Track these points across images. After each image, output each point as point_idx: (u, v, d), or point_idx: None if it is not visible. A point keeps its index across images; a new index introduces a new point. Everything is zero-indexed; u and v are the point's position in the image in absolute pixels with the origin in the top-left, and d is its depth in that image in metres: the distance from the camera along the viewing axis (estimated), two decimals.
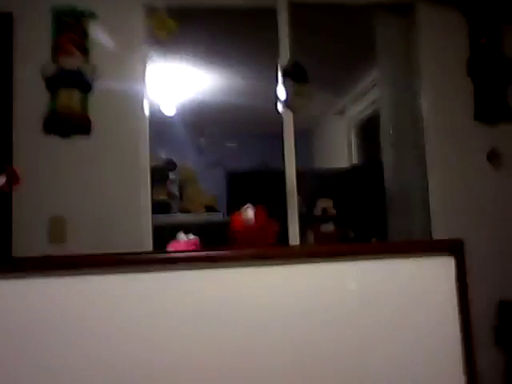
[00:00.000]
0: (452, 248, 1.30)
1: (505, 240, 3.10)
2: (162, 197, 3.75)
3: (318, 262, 1.26)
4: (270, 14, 3.21)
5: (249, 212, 1.57)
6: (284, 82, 3.14)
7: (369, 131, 4.87)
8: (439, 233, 3.03)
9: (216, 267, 1.23)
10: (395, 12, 3.34)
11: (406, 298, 1.27)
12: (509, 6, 3.26)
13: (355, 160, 5.25)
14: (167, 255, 1.24)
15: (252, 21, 3.52)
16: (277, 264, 1.25)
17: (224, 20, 3.56)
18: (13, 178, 1.35)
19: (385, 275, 1.28)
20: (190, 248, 1.62)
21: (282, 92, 3.15)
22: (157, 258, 1.24)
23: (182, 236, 1.67)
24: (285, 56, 3.19)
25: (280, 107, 3.18)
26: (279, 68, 3.18)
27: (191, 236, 1.66)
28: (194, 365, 1.20)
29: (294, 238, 3.04)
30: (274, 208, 3.90)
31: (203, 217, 3.87)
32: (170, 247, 1.65)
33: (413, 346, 1.26)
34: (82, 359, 1.16)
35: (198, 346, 1.21)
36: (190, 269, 1.22)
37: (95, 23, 2.94)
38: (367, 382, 1.25)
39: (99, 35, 2.93)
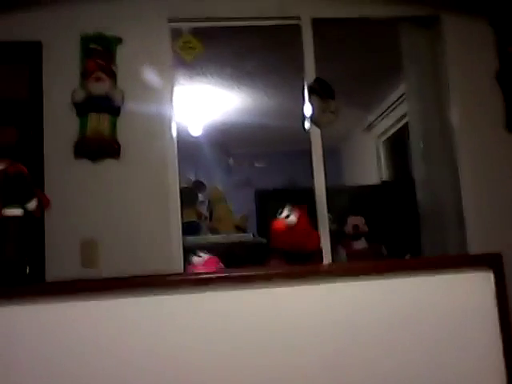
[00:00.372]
0: (490, 262, 1.26)
1: None
2: (192, 218, 3.76)
3: (355, 280, 1.24)
4: (295, 30, 3.22)
5: (291, 215, 1.55)
6: (310, 99, 3.13)
7: (398, 146, 4.83)
8: (475, 247, 2.95)
9: (248, 287, 1.22)
10: (420, 24, 3.32)
11: (444, 314, 1.24)
12: None
13: (385, 176, 5.21)
14: (197, 276, 1.23)
15: (277, 39, 3.53)
16: (313, 282, 1.24)
17: (248, 39, 3.59)
18: (43, 202, 1.37)
19: (422, 291, 1.25)
20: (212, 266, 1.60)
21: (308, 109, 3.15)
22: (187, 279, 1.24)
23: (195, 259, 1.64)
24: (310, 73, 3.18)
25: (307, 124, 3.18)
26: (305, 85, 3.18)
27: (203, 254, 1.63)
28: (225, 382, 1.18)
29: (326, 255, 3.00)
30: None
31: (233, 237, 3.85)
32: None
33: (453, 363, 1.22)
34: (114, 377, 1.16)
35: (230, 363, 1.19)
36: (222, 289, 1.21)
37: (122, 48, 2.98)
38: None
39: (126, 59, 2.97)
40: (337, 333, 1.23)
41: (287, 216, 1.56)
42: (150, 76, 3.00)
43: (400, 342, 1.23)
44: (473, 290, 1.26)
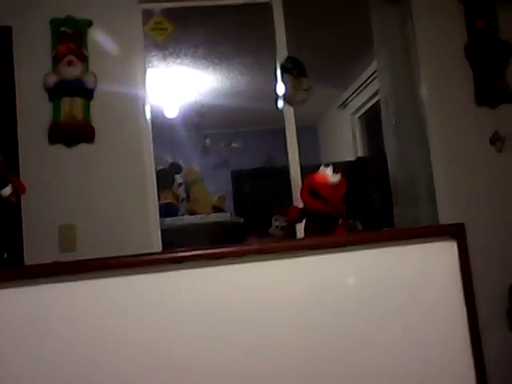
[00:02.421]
0: (454, 232, 1.31)
1: (511, 223, 3.10)
2: (169, 200, 3.77)
3: (325, 254, 1.28)
4: (266, 9, 3.22)
5: (335, 175, 1.55)
6: (282, 78, 3.15)
7: (372, 123, 4.87)
8: (446, 218, 3.03)
9: (222, 264, 1.25)
10: (390, 1, 3.34)
11: (411, 283, 1.29)
12: None
13: (360, 152, 5.26)
14: (171, 254, 1.25)
15: (248, 17, 3.53)
16: (284, 257, 1.27)
17: (220, 18, 3.58)
18: (18, 188, 1.37)
19: (389, 262, 1.29)
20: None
21: (281, 88, 3.16)
22: (161, 258, 1.26)
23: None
24: (282, 51, 3.20)
25: (280, 103, 3.20)
26: (277, 63, 3.19)
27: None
28: (203, 363, 1.21)
29: (302, 232, 3.04)
30: (281, 204, 3.92)
31: (211, 218, 3.88)
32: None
33: (419, 330, 1.27)
34: (93, 362, 1.18)
35: (205, 344, 1.22)
36: (197, 267, 1.24)
37: (93, 31, 2.96)
38: (375, 367, 1.26)
39: (97, 42, 2.95)
40: (308, 307, 1.26)
41: (334, 173, 1.56)
42: (123, 58, 2.99)
43: (368, 310, 1.27)
44: (437, 259, 1.30)
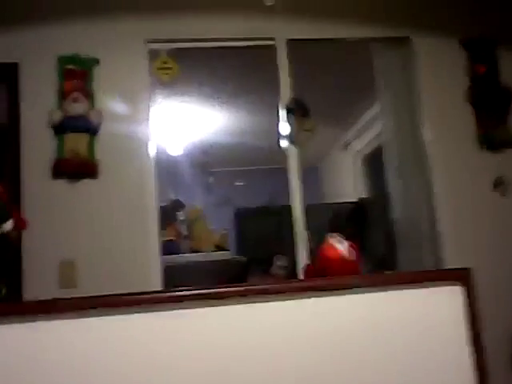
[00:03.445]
0: (460, 277, 1.29)
1: None
2: (171, 237, 3.75)
3: (330, 295, 1.26)
4: (270, 51, 3.26)
5: (347, 249, 1.53)
6: (287, 118, 3.18)
7: (375, 164, 4.88)
8: (450, 262, 3.00)
9: (223, 304, 1.23)
10: (393, 45, 3.39)
11: (416, 327, 1.26)
12: (503, 30, 3.31)
13: (363, 193, 5.25)
14: (171, 294, 1.23)
15: (253, 59, 3.58)
16: (284, 298, 1.25)
17: (225, 59, 3.63)
18: (19, 224, 1.37)
19: (394, 305, 1.27)
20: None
21: (285, 128, 3.18)
22: (161, 297, 1.24)
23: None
24: (286, 93, 3.23)
25: (283, 143, 3.21)
26: (281, 104, 3.22)
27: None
28: None
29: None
30: (282, 244, 3.90)
31: (213, 256, 3.86)
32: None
33: (423, 375, 1.24)
34: None
35: (208, 383, 1.19)
36: (197, 307, 1.22)
37: (99, 69, 3.00)
38: None
39: (103, 80, 2.98)
40: (311, 348, 1.24)
41: (340, 243, 1.54)
42: (128, 96, 3.02)
43: (372, 354, 1.24)
44: (443, 303, 1.28)
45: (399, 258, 3.22)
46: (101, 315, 1.19)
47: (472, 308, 1.28)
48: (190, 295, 1.23)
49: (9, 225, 1.32)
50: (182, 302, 1.22)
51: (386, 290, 1.27)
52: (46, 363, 1.16)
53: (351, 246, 1.52)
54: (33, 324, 1.17)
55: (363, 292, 1.27)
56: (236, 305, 1.24)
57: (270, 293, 1.26)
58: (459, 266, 1.33)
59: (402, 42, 3.35)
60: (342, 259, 1.49)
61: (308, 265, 1.91)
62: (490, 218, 3.13)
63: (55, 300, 1.30)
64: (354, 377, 1.23)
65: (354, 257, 1.52)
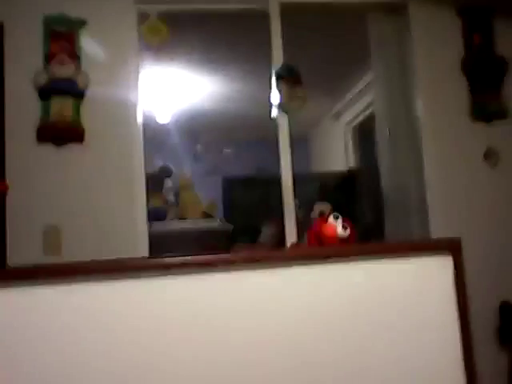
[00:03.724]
0: (450, 247, 1.28)
1: (503, 239, 3.09)
2: (158, 204, 3.72)
3: (316, 264, 1.25)
4: (262, 17, 3.20)
5: (347, 231, 1.50)
6: (278, 86, 3.13)
7: (365, 134, 4.86)
8: (437, 233, 3.01)
9: (212, 272, 1.22)
10: (388, 12, 3.34)
11: (405, 296, 1.26)
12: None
13: (352, 163, 5.24)
14: (161, 261, 1.22)
15: (244, 25, 3.51)
16: (275, 267, 1.24)
17: (216, 25, 3.56)
18: (1, 187, 1.33)
19: (384, 275, 1.26)
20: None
21: (276, 96, 3.14)
22: (150, 264, 1.22)
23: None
24: (278, 59, 3.18)
25: (274, 112, 3.17)
26: (273, 71, 3.17)
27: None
28: (189, 370, 1.18)
29: (292, 241, 3.02)
30: (271, 213, 3.89)
31: (200, 224, 3.84)
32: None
33: (412, 344, 1.25)
34: (76, 366, 1.15)
35: (192, 351, 1.19)
36: (186, 274, 1.21)
37: (87, 31, 2.93)
38: (367, 379, 1.23)
39: (91, 43, 2.91)
40: (298, 318, 1.24)
41: (344, 227, 1.51)
42: (116, 59, 2.96)
43: (361, 322, 1.24)
44: (433, 273, 1.28)
45: (388, 228, 3.23)
46: (86, 281, 1.18)
47: (460, 278, 1.28)
48: (177, 263, 1.21)
49: None
50: (168, 269, 1.21)
51: (375, 260, 1.27)
52: (30, 330, 1.15)
53: (346, 223, 1.50)
54: (17, 290, 1.16)
55: (352, 261, 1.26)
56: (223, 272, 1.22)
57: (257, 261, 1.24)
58: (448, 236, 1.33)
59: (399, 9, 3.30)
60: (337, 238, 1.47)
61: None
62: (479, 190, 3.14)
63: (39, 266, 1.29)
64: (341, 345, 1.22)
65: (351, 240, 1.51)
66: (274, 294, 1.24)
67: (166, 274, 1.22)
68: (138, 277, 1.21)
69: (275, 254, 1.30)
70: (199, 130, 5.44)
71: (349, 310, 1.24)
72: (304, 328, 1.23)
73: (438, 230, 3.03)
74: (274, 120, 3.20)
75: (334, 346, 1.23)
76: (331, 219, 1.52)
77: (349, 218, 1.56)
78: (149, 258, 2.71)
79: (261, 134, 4.41)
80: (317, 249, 1.40)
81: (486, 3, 3.27)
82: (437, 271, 1.27)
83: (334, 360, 1.22)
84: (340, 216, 1.54)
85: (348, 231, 1.49)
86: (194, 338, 1.20)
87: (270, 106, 3.21)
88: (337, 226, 1.49)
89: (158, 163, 4.21)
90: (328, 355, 1.22)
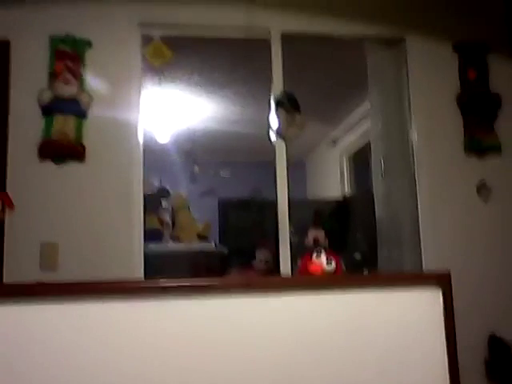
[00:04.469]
0: (439, 280, 1.31)
1: (494, 272, 3.12)
2: (155, 225, 3.75)
3: (311, 293, 1.28)
4: (264, 44, 3.26)
5: (331, 265, 1.54)
6: (276, 112, 3.17)
7: (361, 162, 4.91)
8: (429, 264, 3.04)
9: (206, 296, 1.24)
10: (386, 45, 3.40)
11: (393, 328, 1.28)
12: (495, 36, 3.34)
13: (347, 190, 5.29)
14: (158, 284, 1.24)
15: (246, 51, 3.58)
16: (266, 294, 1.26)
17: (217, 48, 3.62)
18: (7, 204, 1.36)
19: (373, 306, 1.29)
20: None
21: (274, 121, 3.18)
22: (145, 286, 1.25)
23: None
24: (277, 86, 3.23)
25: (272, 136, 3.21)
26: (272, 97, 3.22)
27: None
28: None
29: (286, 267, 3.04)
30: (265, 237, 3.92)
31: (195, 246, 3.86)
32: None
33: (400, 375, 1.27)
34: (71, 383, 1.16)
35: (182, 375, 1.20)
36: (181, 297, 1.23)
37: (91, 51, 2.98)
38: None
39: (95, 63, 2.97)
40: (290, 345, 1.26)
41: (328, 263, 1.55)
42: (119, 80, 3.01)
43: (349, 354, 1.26)
44: (421, 306, 1.31)
45: (380, 256, 3.26)
46: (81, 301, 1.20)
47: (449, 311, 1.31)
48: (173, 286, 1.24)
49: None
50: (165, 291, 1.23)
51: (365, 291, 1.29)
52: (26, 345, 1.16)
53: (338, 264, 1.54)
54: (14, 306, 1.17)
55: (342, 291, 1.29)
56: (218, 297, 1.25)
57: (253, 287, 1.27)
58: (438, 268, 1.36)
59: (396, 42, 3.37)
60: (325, 273, 1.52)
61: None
62: (471, 223, 3.17)
63: (37, 284, 1.31)
64: (330, 375, 1.24)
65: (334, 267, 1.55)
66: (267, 320, 1.26)
67: (162, 296, 1.24)
68: (135, 297, 1.22)
69: (269, 281, 1.33)
70: (197, 150, 5.49)
71: (338, 339, 1.26)
72: (295, 354, 1.25)
73: (430, 261, 3.06)
74: (271, 144, 3.24)
75: (324, 372, 1.25)
76: (314, 257, 1.56)
77: (332, 250, 1.60)
78: (145, 279, 2.73)
79: (258, 156, 4.45)
80: (308, 278, 1.43)
81: (481, 40, 3.34)
82: (426, 304, 1.30)
83: None
84: (322, 250, 1.58)
85: (333, 264, 1.53)
86: (183, 361, 1.21)
87: (268, 129, 3.24)
88: (322, 262, 1.53)
89: (155, 183, 4.24)
90: (316, 381, 1.25)
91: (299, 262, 1.64)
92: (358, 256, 3.56)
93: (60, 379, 1.16)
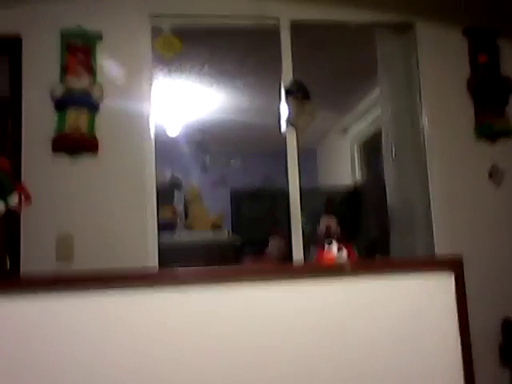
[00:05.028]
0: (451, 264, 1.33)
1: (507, 257, 3.12)
2: (168, 216, 3.77)
3: (321, 279, 1.29)
4: (273, 33, 3.26)
5: (342, 254, 1.58)
6: (287, 101, 3.18)
7: (372, 149, 4.90)
8: (441, 249, 3.04)
9: (222, 284, 1.26)
10: (396, 31, 3.40)
11: (406, 314, 1.30)
12: (506, 21, 3.32)
13: (359, 178, 5.28)
14: (172, 272, 1.26)
15: (255, 40, 3.57)
16: (279, 280, 1.28)
17: (227, 39, 3.62)
18: (25, 198, 1.39)
19: (385, 292, 1.30)
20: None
21: (284, 110, 3.19)
22: (162, 275, 1.27)
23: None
24: (287, 75, 3.23)
25: (283, 125, 3.22)
26: (282, 86, 3.23)
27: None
28: (201, 380, 1.22)
29: (298, 254, 3.06)
30: (277, 225, 3.93)
31: (208, 236, 3.89)
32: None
33: (413, 359, 1.28)
34: (89, 375, 1.18)
35: (199, 360, 1.23)
36: (196, 285, 1.25)
37: (102, 44, 3.00)
38: None
39: (106, 56, 2.98)
40: (304, 330, 1.28)
41: (338, 251, 1.58)
42: (130, 73, 3.02)
43: (363, 338, 1.28)
44: (434, 290, 1.32)
45: (392, 243, 3.27)
46: (98, 289, 1.22)
47: (461, 295, 1.32)
48: (189, 274, 1.26)
49: (14, 199, 1.34)
50: (180, 280, 1.25)
51: (378, 276, 1.31)
52: (44, 336, 1.18)
53: (350, 253, 1.57)
54: (31, 298, 1.19)
55: (357, 277, 1.31)
56: (233, 284, 1.27)
57: (266, 274, 1.29)
58: (450, 253, 1.37)
59: (406, 28, 3.36)
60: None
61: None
62: (483, 207, 3.17)
63: (53, 275, 1.33)
64: (345, 361, 1.26)
65: (345, 257, 1.57)
66: (280, 307, 1.28)
67: (176, 285, 1.25)
68: (150, 286, 1.24)
69: (283, 269, 1.35)
70: (208, 141, 5.50)
71: (351, 324, 1.28)
72: (309, 341, 1.27)
73: (442, 245, 3.07)
74: (281, 134, 3.25)
75: (335, 360, 1.27)
76: (326, 247, 1.59)
77: (345, 237, 1.62)
78: (159, 268, 2.76)
79: (269, 146, 4.46)
80: (321, 265, 1.45)
81: (491, 24, 3.32)
82: (438, 288, 1.32)
83: (334, 374, 1.26)
84: (334, 240, 1.61)
85: (344, 252, 1.55)
86: (199, 347, 1.23)
87: (279, 118, 3.26)
88: (333, 252, 1.56)
89: (167, 174, 4.27)
90: (329, 370, 1.26)
91: (314, 254, 1.68)
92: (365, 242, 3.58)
93: (72, 369, 1.18)
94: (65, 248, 2.78)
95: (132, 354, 1.21)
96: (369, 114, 4.79)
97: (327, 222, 3.68)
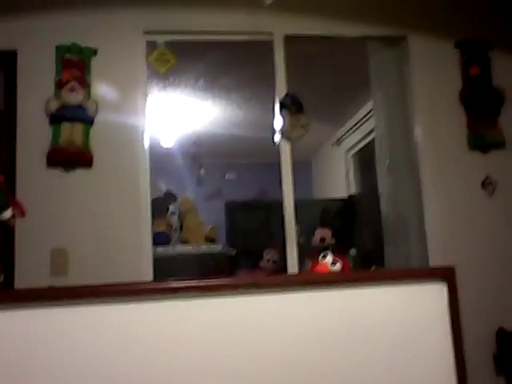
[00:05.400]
0: (444, 274, 1.34)
1: (501, 266, 3.13)
2: (162, 229, 3.78)
3: (319, 290, 1.30)
4: (267, 47, 3.28)
5: (337, 265, 1.59)
6: (281, 113, 3.21)
7: (366, 160, 4.93)
8: (436, 259, 3.06)
9: (214, 296, 1.26)
10: (388, 43, 3.43)
11: (400, 324, 1.30)
12: (497, 33, 3.36)
13: (353, 189, 5.30)
14: (165, 285, 1.27)
15: (249, 54, 3.60)
16: (274, 292, 1.29)
17: (222, 52, 3.64)
18: (19, 212, 1.39)
19: (379, 302, 1.31)
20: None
21: (279, 123, 3.21)
22: (155, 288, 1.27)
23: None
24: (281, 87, 3.25)
25: (277, 138, 3.24)
26: (276, 100, 3.25)
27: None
28: None
29: (293, 266, 3.06)
30: (272, 238, 3.93)
31: (203, 248, 3.89)
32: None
33: (406, 370, 1.29)
34: None
35: (193, 374, 1.23)
36: (191, 297, 1.25)
37: (97, 59, 3.01)
38: None
39: (101, 70, 3.00)
40: (299, 342, 1.28)
41: (333, 263, 1.60)
42: (124, 87, 3.04)
43: (356, 348, 1.28)
44: (427, 300, 1.32)
45: (387, 254, 3.27)
46: (92, 304, 1.21)
47: (454, 306, 1.32)
48: (183, 287, 1.26)
49: (8, 213, 1.35)
50: (175, 292, 1.25)
51: (371, 286, 1.32)
52: (38, 350, 1.18)
53: (344, 264, 1.58)
54: (25, 311, 1.19)
55: (350, 287, 1.31)
56: (227, 297, 1.27)
57: (260, 286, 1.29)
58: (444, 264, 1.38)
59: (399, 40, 3.39)
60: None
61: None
62: (476, 218, 3.19)
63: (49, 288, 1.33)
64: (340, 370, 1.27)
65: (341, 267, 1.59)
66: (275, 318, 1.28)
67: (171, 297, 1.25)
68: (146, 299, 1.24)
69: (277, 280, 1.35)
70: (202, 154, 5.50)
71: (344, 335, 1.28)
72: (304, 351, 1.27)
73: (436, 256, 3.08)
74: (275, 146, 3.27)
75: (327, 371, 1.27)
76: (320, 259, 1.60)
77: (339, 248, 1.64)
78: (154, 281, 2.76)
79: (263, 158, 4.47)
80: (316, 275, 1.45)
81: (483, 37, 3.36)
82: (431, 298, 1.32)
83: (330, 381, 1.27)
84: (329, 253, 1.62)
85: (338, 265, 1.56)
86: (194, 360, 1.23)
87: (273, 130, 3.27)
88: (327, 263, 1.57)
89: (162, 187, 4.27)
90: (325, 378, 1.27)
91: (309, 266, 1.70)
92: (353, 252, 3.59)
93: (72, 382, 1.18)
94: (59, 262, 2.77)
95: (127, 368, 1.21)
96: (363, 125, 4.82)
97: (322, 234, 3.70)
